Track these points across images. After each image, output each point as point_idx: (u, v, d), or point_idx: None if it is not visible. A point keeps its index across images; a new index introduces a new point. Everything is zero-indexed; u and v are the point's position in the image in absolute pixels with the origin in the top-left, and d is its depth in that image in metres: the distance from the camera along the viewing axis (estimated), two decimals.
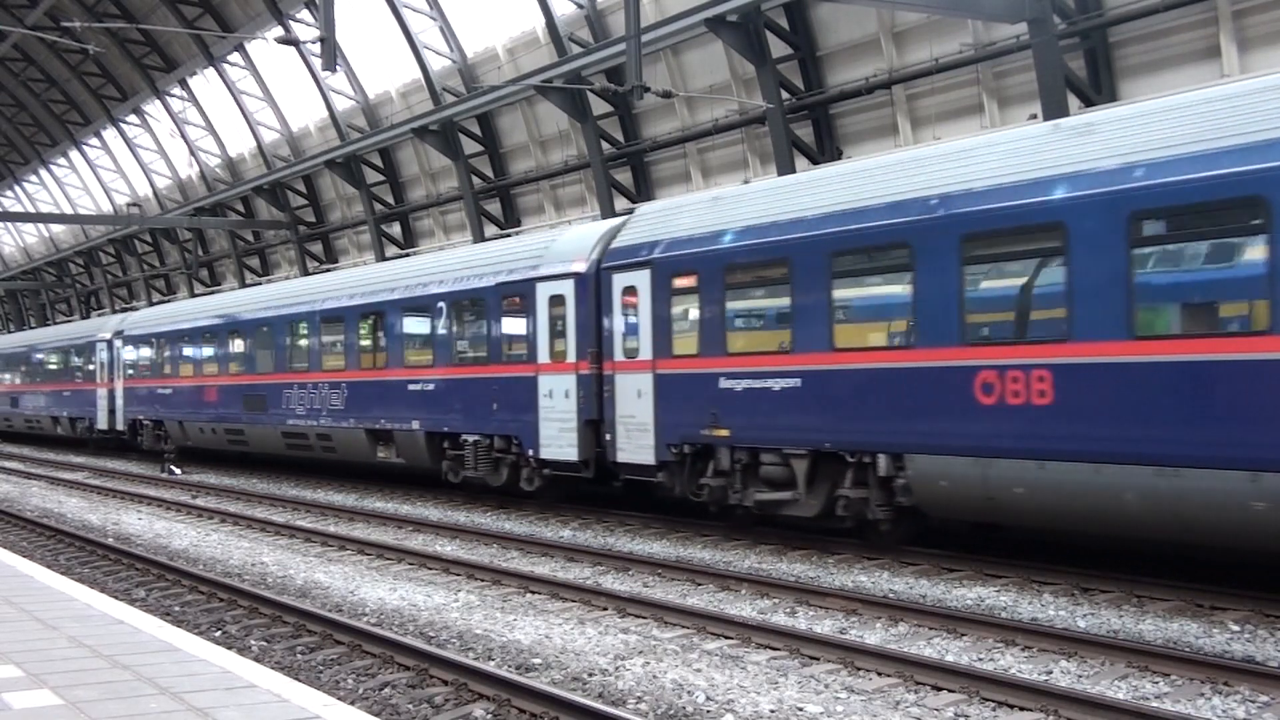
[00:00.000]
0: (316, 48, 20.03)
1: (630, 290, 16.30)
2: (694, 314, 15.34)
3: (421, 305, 20.81)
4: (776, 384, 14.14)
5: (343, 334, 23.13)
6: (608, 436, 16.59)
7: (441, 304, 20.21)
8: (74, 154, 56.24)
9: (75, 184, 57.93)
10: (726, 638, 10.23)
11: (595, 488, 18.69)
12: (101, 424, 35.31)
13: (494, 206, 31.62)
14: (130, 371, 33.37)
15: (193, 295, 48.13)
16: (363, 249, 38.53)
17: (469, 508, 20.04)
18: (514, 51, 29.37)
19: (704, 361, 15.13)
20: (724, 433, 14.83)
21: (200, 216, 43.64)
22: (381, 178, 35.63)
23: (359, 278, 23.95)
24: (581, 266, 17.34)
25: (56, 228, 62.01)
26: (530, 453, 17.93)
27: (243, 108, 41.05)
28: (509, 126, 30.72)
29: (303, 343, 24.66)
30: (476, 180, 31.24)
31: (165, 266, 52.06)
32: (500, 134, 31.08)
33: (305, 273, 40.09)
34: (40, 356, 41.82)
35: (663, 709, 8.12)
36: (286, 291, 26.51)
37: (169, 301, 48.30)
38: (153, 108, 47.49)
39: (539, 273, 18.03)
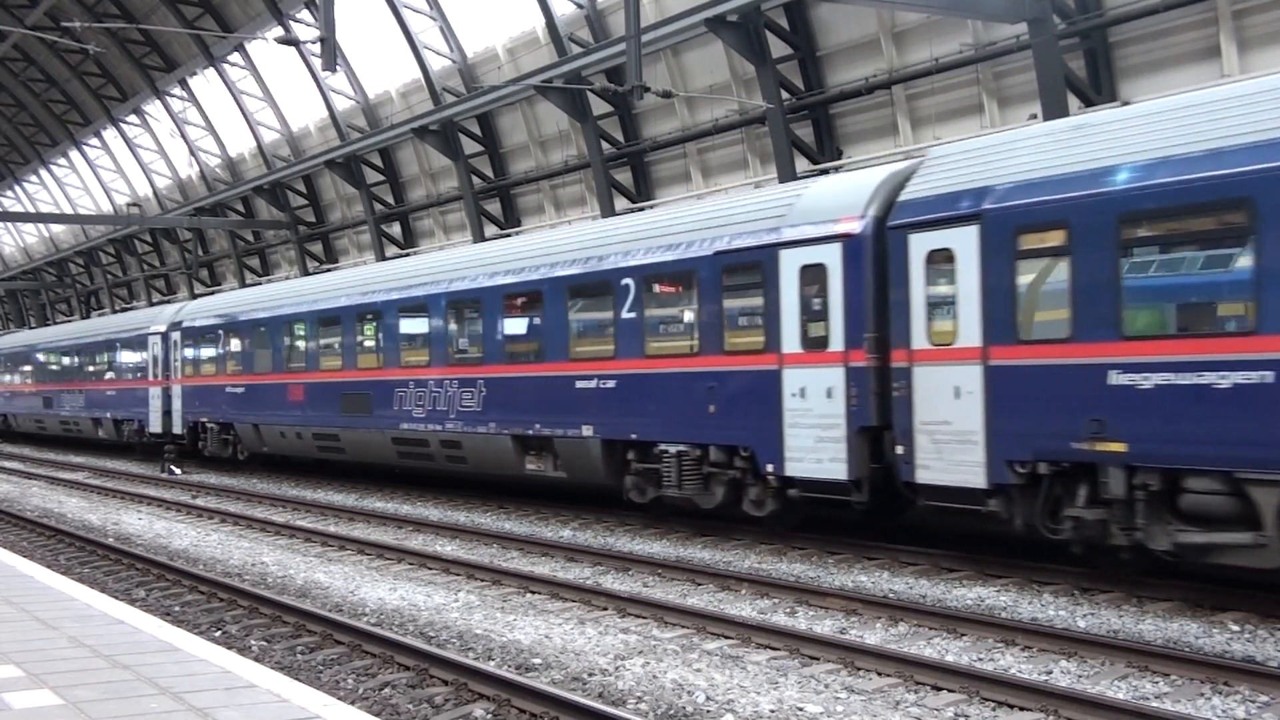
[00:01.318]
0: (316, 48, 20.02)
1: (942, 255, 12.50)
2: (1061, 283, 11.48)
3: (597, 283, 17.02)
4: (1226, 379, 10.23)
5: (480, 322, 19.34)
6: (899, 449, 12.85)
7: (628, 280, 16.39)
8: (74, 154, 56.22)
9: (75, 184, 57.91)
10: (726, 638, 10.23)
11: (868, 516, 14.75)
12: (154, 426, 31.37)
13: (494, 206, 31.62)
14: (190, 368, 29.58)
15: (243, 284, 45.41)
16: (363, 249, 38.52)
17: (469, 508, 20.04)
18: (514, 51, 29.36)
19: (1081, 348, 11.26)
20: (1116, 447, 11.03)
21: (200, 216, 43.61)
22: (381, 178, 35.61)
23: (500, 253, 19.90)
24: (854, 226, 13.56)
25: (56, 228, 61.99)
26: (768, 468, 14.23)
27: (243, 108, 41.04)
28: (509, 126, 30.71)
29: (424, 333, 20.76)
30: (476, 180, 31.23)
31: (165, 266, 52.04)
32: (500, 134, 31.07)
33: (305, 273, 40.06)
34: (79, 352, 37.73)
35: (663, 709, 8.12)
36: (399, 272, 22.44)
37: (217, 291, 47.26)
38: (153, 108, 47.48)
39: (783, 236, 14.28)
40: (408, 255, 34.21)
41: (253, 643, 10.48)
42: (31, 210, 62.44)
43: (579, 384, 17.24)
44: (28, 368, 43.30)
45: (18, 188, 64.93)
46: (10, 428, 45.97)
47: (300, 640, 10.48)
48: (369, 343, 22.40)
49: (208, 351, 28.97)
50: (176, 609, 12.11)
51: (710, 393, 15.09)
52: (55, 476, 28.78)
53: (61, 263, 61.02)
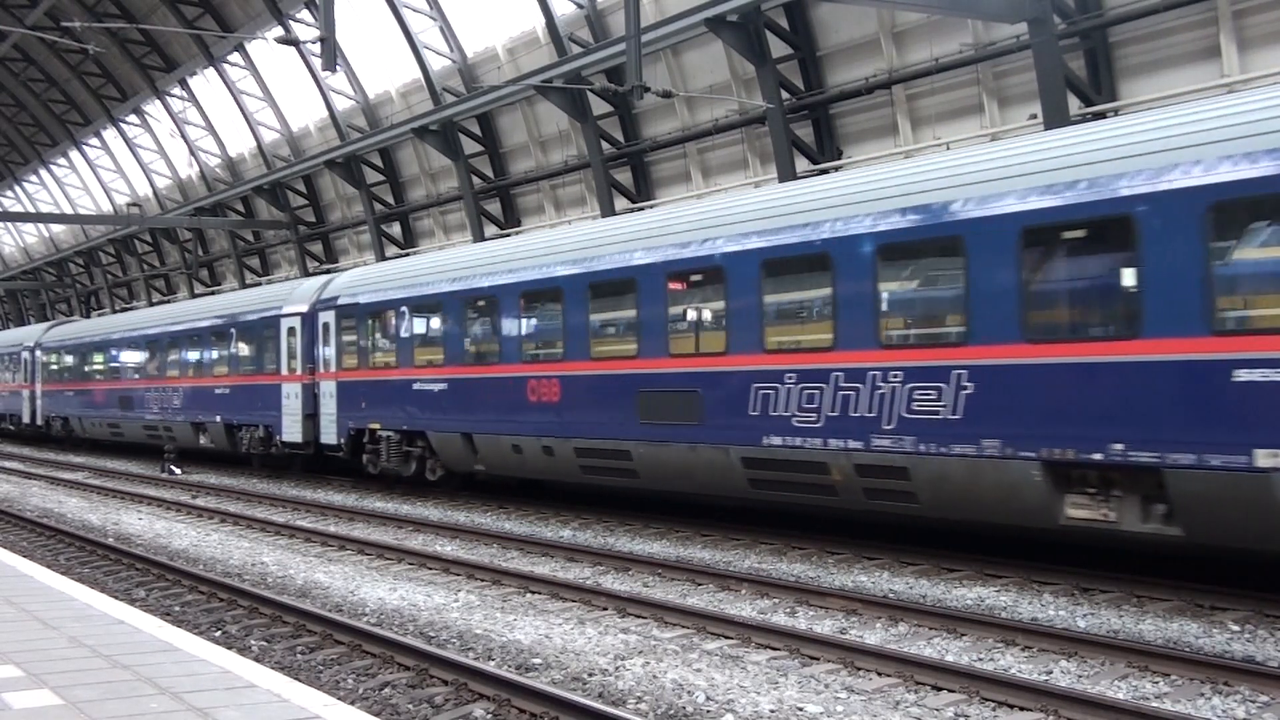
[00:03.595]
0: (316, 48, 20.06)
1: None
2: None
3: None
4: None
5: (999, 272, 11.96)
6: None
7: None
8: (74, 154, 56.24)
9: (75, 184, 57.92)
10: (726, 638, 10.23)
11: None
12: (291, 434, 24.82)
13: (494, 206, 31.62)
14: (352, 358, 22.91)
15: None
16: (363, 249, 38.53)
17: (469, 508, 20.04)
18: (514, 51, 29.37)
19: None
20: None
21: (200, 216, 43.62)
22: (381, 178, 35.62)
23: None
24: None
25: (56, 228, 62.01)
26: None
27: (243, 108, 41.05)
28: (509, 126, 30.72)
29: (834, 296, 13.52)
30: (476, 180, 31.23)
31: (165, 266, 52.06)
32: (500, 134, 31.08)
33: (305, 273, 40.05)
34: (173, 341, 30.92)
35: (663, 709, 8.12)
36: (770, 205, 14.99)
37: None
38: (153, 108, 47.50)
39: None
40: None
41: (253, 643, 10.48)
42: (31, 210, 62.46)
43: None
44: (99, 361, 35.91)
45: (18, 188, 64.95)
46: (72, 434, 38.70)
47: (300, 640, 10.48)
48: (705, 315, 15.46)
49: (383, 336, 22.14)
50: (176, 609, 12.11)
51: None
52: (55, 476, 28.77)
53: (61, 263, 61.03)
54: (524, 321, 18.44)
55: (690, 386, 15.27)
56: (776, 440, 14.02)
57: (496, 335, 18.82)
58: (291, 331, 24.99)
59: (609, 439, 16.52)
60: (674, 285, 15.67)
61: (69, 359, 38.51)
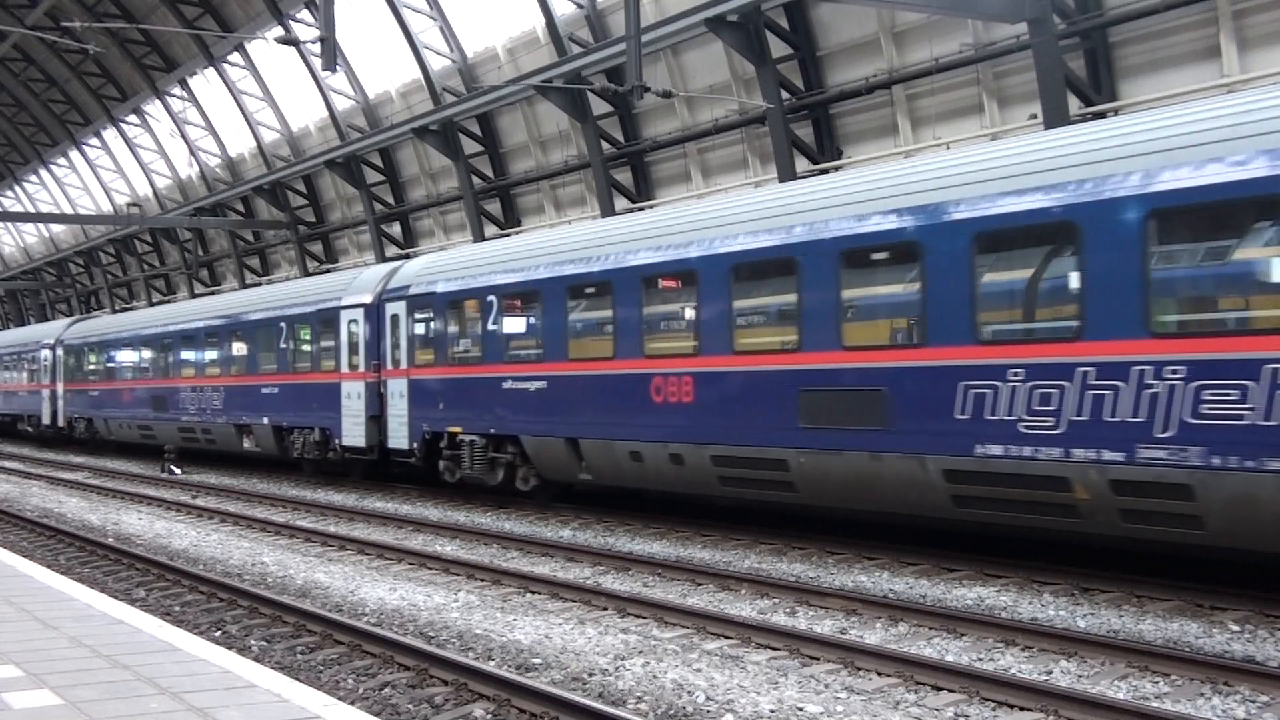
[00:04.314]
0: (316, 48, 20.05)
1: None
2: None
3: None
4: None
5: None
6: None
7: None
8: (74, 154, 56.25)
9: (75, 184, 57.94)
10: (726, 638, 10.23)
11: None
12: (352, 437, 22.41)
13: (494, 206, 31.63)
14: (428, 353, 20.40)
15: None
16: (363, 249, 38.53)
17: (469, 508, 20.04)
18: (514, 51, 29.37)
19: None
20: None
21: (200, 216, 43.63)
22: (381, 178, 35.63)
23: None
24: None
25: (56, 228, 62.02)
26: None
27: (243, 108, 41.05)
28: (509, 126, 30.72)
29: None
30: (476, 180, 31.24)
31: (165, 266, 52.07)
32: (500, 134, 31.08)
33: (306, 273, 40.05)
34: (215, 336, 28.46)
35: (663, 709, 8.12)
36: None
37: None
38: (153, 108, 47.50)
39: None
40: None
41: (253, 643, 10.48)
42: (31, 210, 62.47)
43: None
44: (129, 358, 33.57)
45: (18, 188, 64.96)
46: (97, 436, 36.49)
47: (300, 640, 10.48)
48: (894, 300, 13.27)
49: (466, 329, 19.69)
50: (176, 609, 12.10)
51: None
52: (55, 476, 28.77)
53: (61, 263, 61.04)
54: (648, 311, 15.96)
55: (873, 385, 12.90)
56: (995, 450, 11.72)
57: (612, 326, 16.35)
58: (352, 325, 22.60)
59: (758, 446, 14.17)
60: (850, 265, 13.24)
61: (94, 356, 36.13)
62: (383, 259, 34.95)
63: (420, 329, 20.72)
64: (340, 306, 23.10)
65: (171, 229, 46.98)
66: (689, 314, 15.45)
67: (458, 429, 19.55)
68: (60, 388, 38.84)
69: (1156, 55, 18.03)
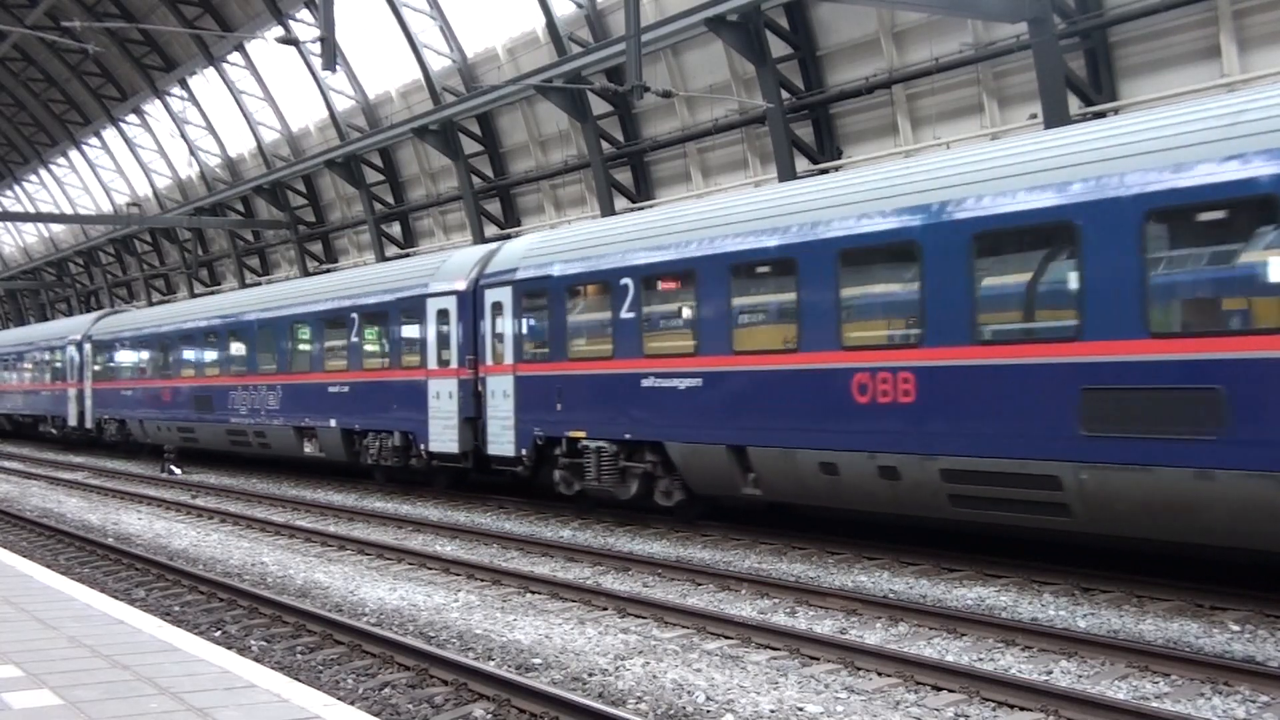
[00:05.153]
0: (316, 48, 20.04)
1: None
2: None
3: None
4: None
5: None
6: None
7: None
8: (74, 154, 56.26)
9: (75, 184, 57.95)
10: (726, 638, 10.22)
11: None
12: (445, 443, 19.79)
13: (494, 206, 31.63)
14: (540, 348, 17.90)
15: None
16: (363, 249, 38.53)
17: (469, 508, 20.03)
18: (514, 51, 29.37)
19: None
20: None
21: (200, 216, 43.64)
22: (381, 178, 35.63)
23: None
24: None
25: (56, 228, 62.02)
26: None
27: (243, 108, 41.05)
28: (509, 126, 30.72)
29: None
30: (476, 180, 31.24)
31: (165, 266, 52.08)
32: (500, 134, 31.08)
33: (306, 273, 40.04)
34: (270, 329, 25.69)
35: (663, 709, 8.12)
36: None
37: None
38: (153, 108, 47.51)
39: None
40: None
41: (253, 643, 10.48)
42: (31, 210, 62.48)
43: None
44: (168, 354, 30.80)
45: (18, 188, 64.97)
46: (130, 439, 33.85)
47: (300, 640, 10.48)
48: (1233, 274, 10.34)
49: (592, 317, 17.13)
50: (176, 609, 12.10)
51: None
52: (55, 476, 28.76)
53: (61, 263, 61.05)
54: (846, 293, 13.33)
55: (1202, 381, 10.19)
56: None
57: (796, 312, 13.80)
58: (442, 315, 20.01)
59: (1015, 459, 11.55)
60: (1159, 228, 10.58)
61: (128, 353, 33.39)
62: (382, 258, 34.92)
63: (531, 318, 18.17)
64: (426, 294, 20.46)
65: (171, 229, 46.99)
66: (905, 295, 12.77)
67: (580, 433, 16.96)
68: (88, 387, 36.43)
69: (1156, 55, 18.03)
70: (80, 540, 16.86)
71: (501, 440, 18.55)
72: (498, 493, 17.40)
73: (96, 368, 35.84)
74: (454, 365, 19.71)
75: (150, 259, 53.20)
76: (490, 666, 8.97)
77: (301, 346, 24.66)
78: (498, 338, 18.85)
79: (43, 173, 60.82)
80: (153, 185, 50.57)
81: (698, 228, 15.44)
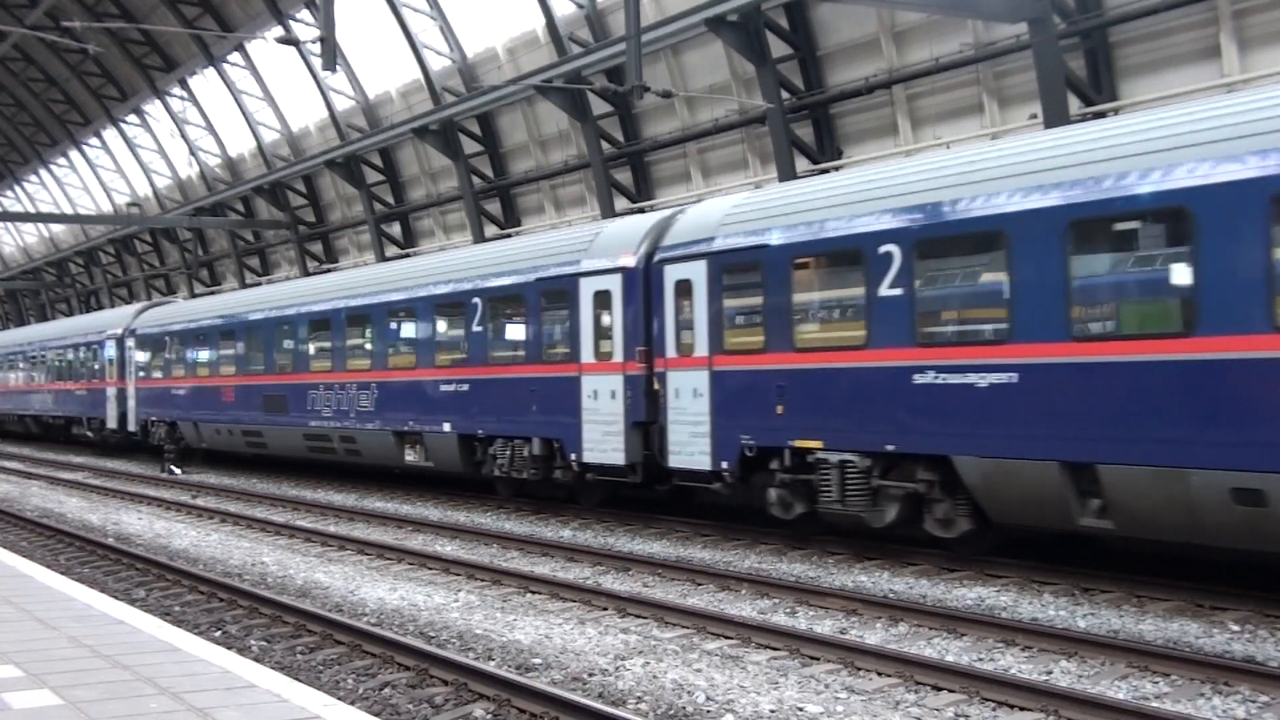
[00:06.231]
0: (316, 48, 20.01)
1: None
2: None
3: None
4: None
5: None
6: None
7: None
8: (74, 154, 56.27)
9: (75, 184, 57.96)
10: (726, 638, 10.23)
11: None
12: (602, 454, 16.70)
13: (494, 206, 31.63)
14: (749, 337, 14.67)
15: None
16: (363, 249, 38.53)
17: (469, 508, 20.03)
18: (514, 51, 29.38)
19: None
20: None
21: (200, 216, 43.65)
22: (381, 178, 35.63)
23: None
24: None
25: (56, 228, 62.03)
26: None
27: (243, 108, 41.06)
28: (509, 126, 30.72)
29: None
30: (476, 180, 31.24)
31: (165, 266, 52.09)
32: (500, 134, 31.08)
33: (306, 272, 40.02)
34: (365, 320, 22.43)
35: (663, 709, 8.12)
36: None
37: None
38: (153, 108, 47.52)
39: None
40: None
41: (253, 643, 10.48)
42: (31, 210, 62.49)
43: None
44: (231, 348, 27.71)
45: (18, 188, 64.99)
46: (181, 443, 30.49)
47: (300, 640, 10.48)
48: None
49: (824, 298, 13.95)
50: (176, 609, 12.10)
51: None
52: (55, 476, 28.76)
53: (61, 263, 61.06)
54: None
55: None
56: None
57: (1195, 282, 10.23)
58: (600, 298, 16.84)
59: None
60: None
61: (181, 348, 30.22)
62: (382, 259, 34.91)
63: (736, 299, 14.85)
64: (578, 273, 17.21)
65: (171, 229, 46.99)
66: None
67: (813, 443, 13.61)
68: (131, 385, 33.18)
69: (1157, 55, 18.03)
70: (80, 540, 16.86)
71: (690, 450, 15.20)
72: (674, 514, 15.67)
73: (141, 365, 32.69)
74: (617, 358, 16.51)
75: (150, 259, 53.20)
76: (490, 666, 8.97)
77: (405, 338, 21.42)
78: (683, 324, 15.46)
79: (43, 173, 60.82)
80: (153, 185, 50.58)
81: (1017, 172, 11.75)
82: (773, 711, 8.01)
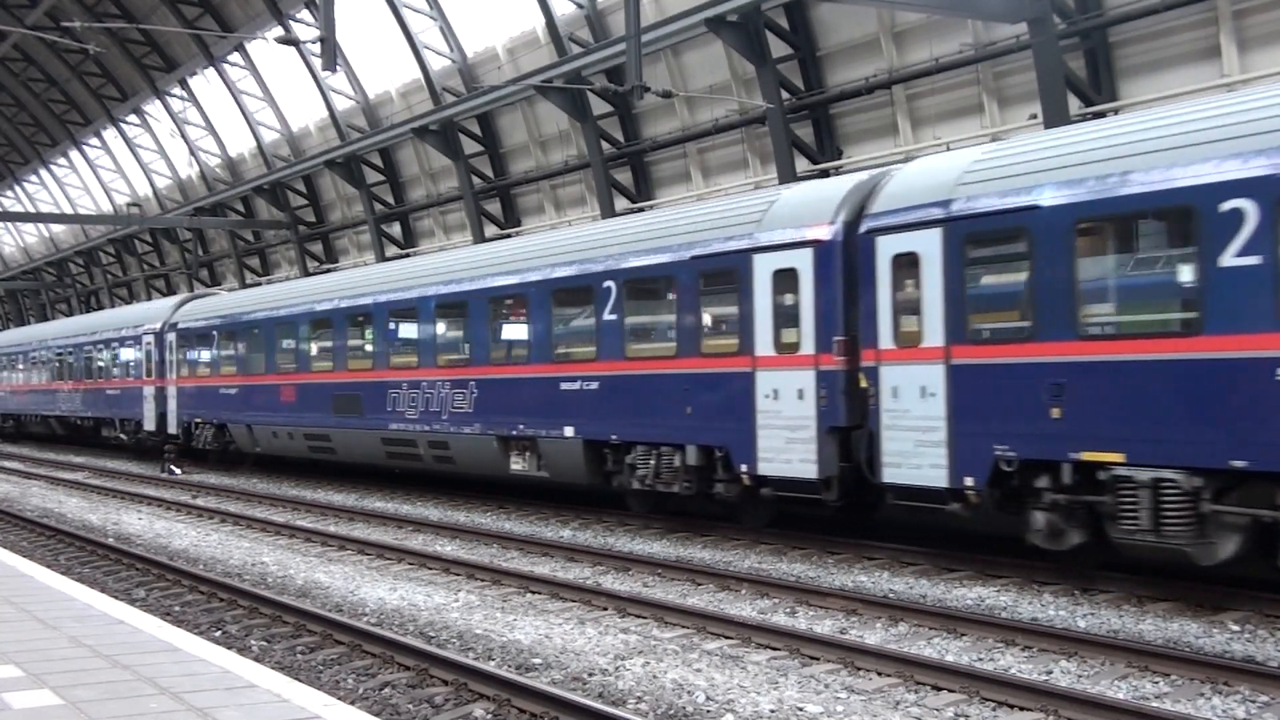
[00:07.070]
0: (316, 48, 20.01)
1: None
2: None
3: None
4: None
5: None
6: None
7: None
8: (74, 154, 56.26)
9: (75, 184, 57.96)
10: (726, 638, 10.23)
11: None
12: (782, 466, 14.12)
13: (494, 206, 31.63)
14: (1009, 320, 12.11)
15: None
16: (363, 249, 38.53)
17: (469, 508, 20.03)
18: (514, 51, 29.38)
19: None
20: None
21: (200, 216, 43.65)
22: (381, 178, 35.63)
23: None
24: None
25: (56, 228, 62.02)
26: None
27: (243, 108, 41.05)
28: (509, 126, 30.72)
29: None
30: (476, 180, 31.23)
31: (165, 266, 52.09)
32: (500, 134, 31.08)
33: (306, 273, 40.02)
34: (460, 309, 19.87)
35: (663, 709, 8.12)
36: None
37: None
38: (153, 108, 47.51)
39: None
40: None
41: (253, 643, 10.48)
42: (31, 210, 62.48)
43: None
44: (292, 342, 25.11)
45: (18, 188, 64.98)
46: (230, 447, 28.09)
47: (300, 640, 10.48)
48: None
49: (1133, 272, 11.42)
50: (176, 609, 12.10)
51: None
52: (55, 476, 28.76)
53: (61, 263, 61.06)
54: None
55: None
56: None
57: None
58: (783, 277, 14.21)
59: None
60: None
61: (231, 343, 27.65)
62: (382, 259, 34.89)
63: (985, 276, 12.35)
64: (752, 249, 14.59)
65: (171, 229, 46.99)
66: None
67: (1111, 456, 10.89)
68: (172, 384, 30.59)
69: (1156, 55, 18.03)
70: (81, 540, 16.86)
71: (916, 463, 12.57)
72: (877, 539, 13.73)
73: (184, 362, 30.06)
74: (807, 350, 13.87)
75: (150, 259, 53.20)
76: (490, 666, 8.97)
77: (512, 329, 18.85)
78: (905, 307, 12.84)
79: (43, 173, 60.81)
80: (153, 185, 50.58)
81: None
82: (773, 711, 8.01)
